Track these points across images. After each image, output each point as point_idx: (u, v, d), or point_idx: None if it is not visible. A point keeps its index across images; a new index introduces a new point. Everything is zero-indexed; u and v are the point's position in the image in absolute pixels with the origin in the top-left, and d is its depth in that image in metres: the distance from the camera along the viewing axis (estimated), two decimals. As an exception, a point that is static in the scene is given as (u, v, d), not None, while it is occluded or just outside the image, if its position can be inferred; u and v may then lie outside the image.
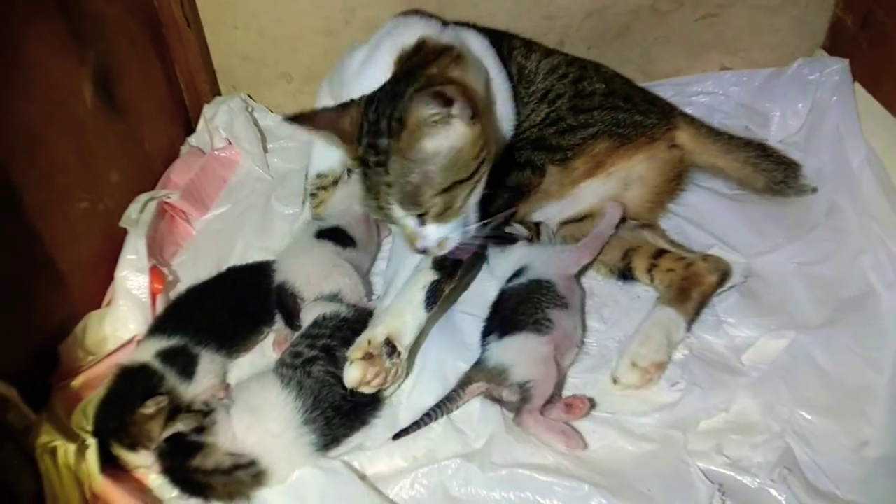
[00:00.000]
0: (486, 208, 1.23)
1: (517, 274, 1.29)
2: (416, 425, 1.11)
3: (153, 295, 1.35)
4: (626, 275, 1.37)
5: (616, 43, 1.78)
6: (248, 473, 1.04)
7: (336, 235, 1.38)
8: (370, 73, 1.22)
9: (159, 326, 1.25)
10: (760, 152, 1.46)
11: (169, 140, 1.75)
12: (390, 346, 1.14)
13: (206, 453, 1.04)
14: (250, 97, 1.87)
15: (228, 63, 1.84)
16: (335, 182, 1.52)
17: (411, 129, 1.04)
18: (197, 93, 1.83)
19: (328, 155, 1.50)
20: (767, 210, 1.46)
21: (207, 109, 1.80)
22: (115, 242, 1.39)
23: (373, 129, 1.08)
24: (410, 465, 1.10)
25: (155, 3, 1.67)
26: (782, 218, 1.45)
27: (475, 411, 1.14)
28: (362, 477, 1.08)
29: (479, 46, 1.31)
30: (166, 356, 1.17)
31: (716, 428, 1.12)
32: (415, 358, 1.24)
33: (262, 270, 1.36)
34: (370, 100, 1.12)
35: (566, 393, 1.19)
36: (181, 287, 1.40)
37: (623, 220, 1.37)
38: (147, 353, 1.18)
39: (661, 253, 1.35)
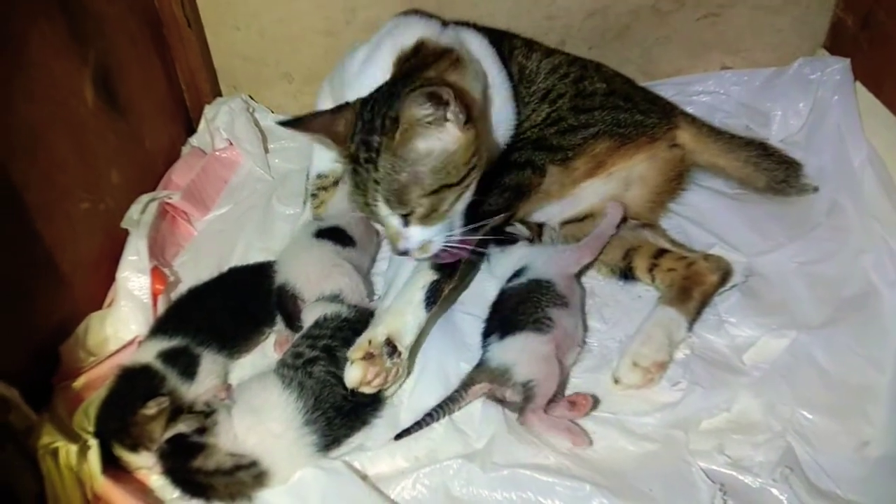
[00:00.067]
0: (482, 209, 1.23)
1: (517, 274, 1.29)
2: (418, 425, 1.11)
3: (154, 296, 1.35)
4: (627, 274, 1.37)
5: (617, 43, 1.78)
6: (249, 474, 1.04)
7: (335, 235, 1.38)
8: (370, 72, 1.22)
9: (161, 327, 1.25)
10: (761, 152, 1.46)
11: (170, 140, 1.75)
12: (391, 346, 1.14)
13: (207, 454, 1.04)
14: (251, 98, 1.87)
15: (229, 63, 1.84)
16: (336, 182, 1.52)
17: (405, 127, 1.04)
18: (198, 93, 1.83)
19: (328, 155, 1.50)
20: (769, 209, 1.46)
21: (208, 110, 1.80)
22: (116, 243, 1.39)
23: (366, 127, 1.09)
24: (412, 466, 1.09)
25: (156, 2, 1.67)
26: (783, 217, 1.44)
27: (477, 412, 1.14)
28: (364, 477, 1.08)
29: (478, 47, 1.31)
30: (168, 357, 1.17)
31: (717, 427, 1.12)
32: (415, 358, 1.24)
33: (263, 271, 1.36)
34: (366, 101, 1.12)
35: (567, 392, 1.18)
36: (182, 288, 1.40)
37: (624, 219, 1.38)
38: (148, 354, 1.18)
39: (662, 252, 1.35)
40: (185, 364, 1.18)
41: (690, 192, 1.51)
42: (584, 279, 1.38)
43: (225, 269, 1.41)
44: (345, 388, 1.11)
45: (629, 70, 1.62)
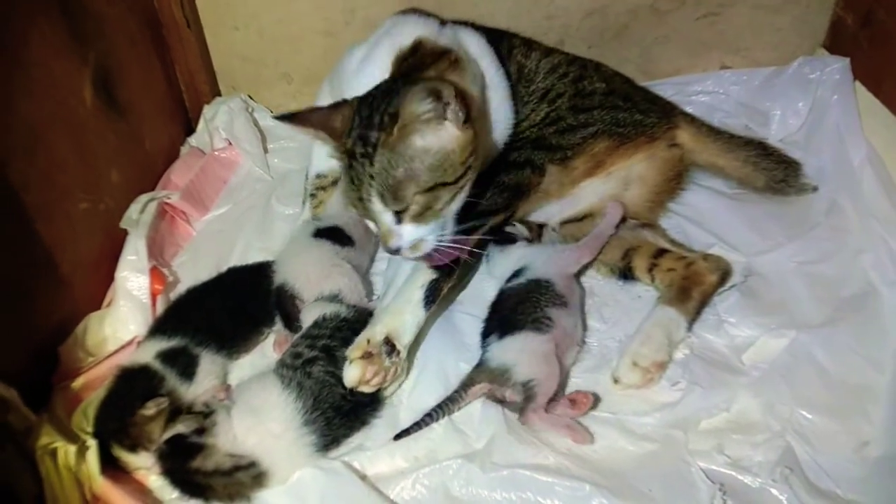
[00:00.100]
0: (480, 208, 1.23)
1: (516, 274, 1.29)
2: (418, 426, 1.11)
3: (153, 296, 1.35)
4: (626, 274, 1.37)
5: (616, 42, 1.78)
6: (248, 474, 1.04)
7: (334, 235, 1.38)
8: (369, 71, 1.22)
9: (160, 327, 1.25)
10: (761, 151, 1.46)
11: (169, 140, 1.75)
12: (389, 345, 1.14)
13: (206, 454, 1.04)
14: (250, 98, 1.87)
15: (228, 64, 1.84)
16: (335, 182, 1.52)
17: (403, 123, 1.04)
18: (197, 93, 1.83)
19: (328, 156, 1.49)
20: (768, 209, 1.46)
21: (207, 110, 1.80)
22: (115, 243, 1.39)
23: (364, 123, 1.09)
24: (411, 466, 1.09)
25: (155, 3, 1.67)
26: (783, 217, 1.44)
27: (476, 412, 1.14)
28: (363, 477, 1.07)
29: (475, 46, 1.31)
30: (167, 357, 1.17)
31: (717, 427, 1.12)
32: (414, 357, 1.24)
33: (262, 271, 1.35)
34: (364, 98, 1.12)
35: (567, 392, 1.18)
36: (181, 288, 1.40)
37: (623, 219, 1.37)
38: (147, 354, 1.17)
39: (661, 252, 1.35)
40: (184, 364, 1.18)
41: (690, 191, 1.51)
42: (583, 279, 1.38)
43: (224, 269, 1.41)
44: (344, 387, 1.11)
45: (628, 70, 1.62)
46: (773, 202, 1.47)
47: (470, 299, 1.37)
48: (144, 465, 1.09)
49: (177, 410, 1.11)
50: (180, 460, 1.04)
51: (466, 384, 1.15)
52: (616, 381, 1.19)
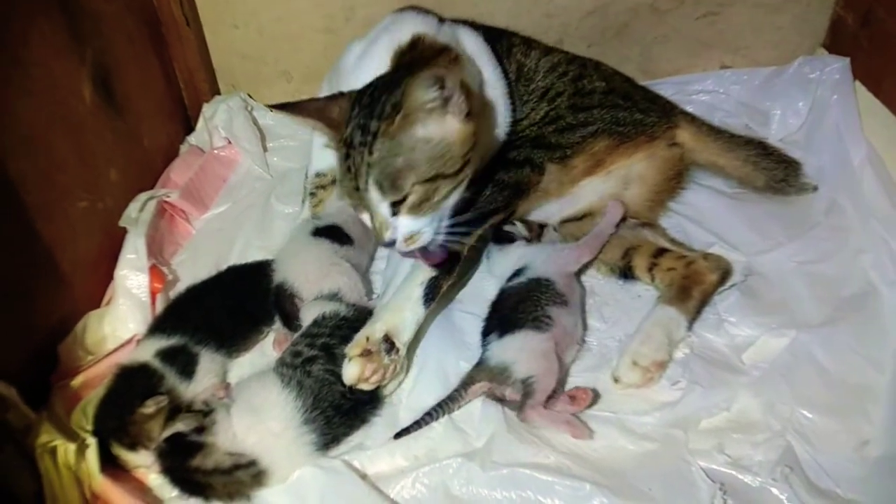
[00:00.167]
0: (478, 207, 1.24)
1: (517, 273, 1.29)
2: (418, 424, 1.11)
3: (153, 294, 1.35)
4: (626, 274, 1.37)
5: (616, 41, 1.78)
6: (248, 473, 1.04)
7: (333, 233, 1.38)
8: (366, 67, 1.22)
9: (159, 326, 1.25)
10: (761, 151, 1.46)
11: (168, 139, 1.75)
12: (389, 343, 1.14)
13: (206, 453, 1.04)
14: (250, 96, 1.87)
15: (228, 62, 1.84)
16: (334, 181, 1.51)
17: (407, 112, 1.03)
18: (196, 91, 1.83)
19: (327, 154, 1.48)
20: (768, 209, 1.46)
21: (207, 108, 1.80)
22: (114, 241, 1.39)
23: (364, 113, 1.08)
24: (411, 465, 1.09)
25: (154, 1, 1.67)
26: (783, 216, 1.44)
27: (476, 410, 1.14)
28: (363, 476, 1.07)
29: (474, 45, 1.31)
30: (166, 355, 1.17)
31: (717, 427, 1.12)
32: (413, 355, 1.24)
33: (261, 269, 1.35)
34: (363, 89, 1.12)
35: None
36: (181, 286, 1.40)
37: (623, 218, 1.37)
38: (147, 353, 1.17)
39: (661, 252, 1.35)
40: (184, 363, 1.18)
41: (690, 191, 1.51)
42: (583, 278, 1.38)
43: (223, 267, 1.41)
44: (343, 385, 1.11)
45: (628, 69, 1.62)
46: (773, 202, 1.47)
47: (470, 298, 1.37)
48: (144, 464, 1.09)
49: (176, 409, 1.11)
50: (180, 459, 1.04)
51: (466, 383, 1.15)
52: (616, 380, 1.19)
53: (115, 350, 1.25)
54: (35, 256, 1.22)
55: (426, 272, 1.20)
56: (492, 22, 1.47)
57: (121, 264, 1.35)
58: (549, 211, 1.42)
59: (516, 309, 1.20)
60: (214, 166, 1.72)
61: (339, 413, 1.11)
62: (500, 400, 1.14)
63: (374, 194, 1.07)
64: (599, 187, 1.40)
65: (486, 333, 1.23)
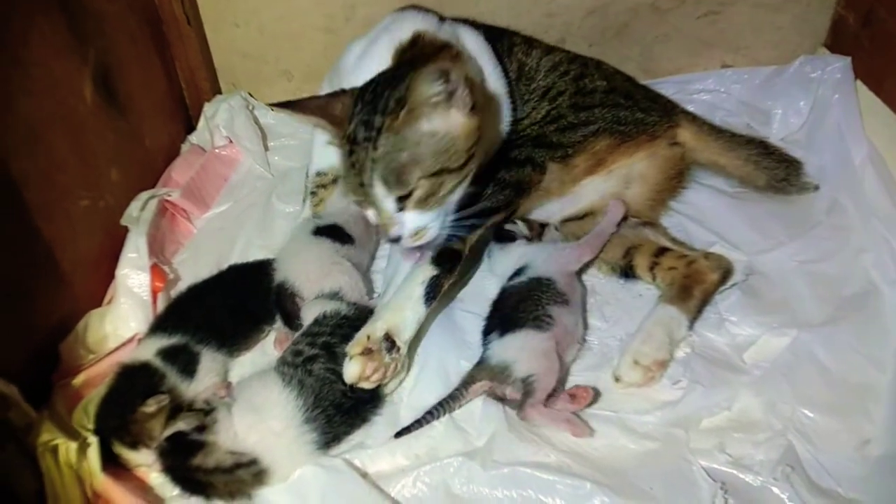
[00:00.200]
0: (480, 205, 1.23)
1: (518, 272, 1.29)
2: (419, 423, 1.11)
3: (154, 293, 1.35)
4: (627, 273, 1.37)
5: (616, 41, 1.78)
6: (249, 472, 1.04)
7: (334, 233, 1.38)
8: (367, 66, 1.22)
9: (160, 325, 1.25)
10: (762, 150, 1.46)
11: (169, 138, 1.75)
12: (389, 341, 1.14)
13: (207, 452, 1.04)
14: (251, 95, 1.87)
15: (229, 61, 1.84)
16: (335, 180, 1.51)
17: (412, 107, 1.03)
18: (197, 90, 1.83)
19: (328, 153, 1.48)
20: (769, 208, 1.46)
21: (208, 107, 1.80)
22: (115, 240, 1.39)
23: (367, 109, 1.08)
24: (412, 464, 1.09)
25: (155, 0, 1.67)
26: (784, 216, 1.44)
27: (477, 409, 1.14)
28: (364, 475, 1.07)
29: (474, 44, 1.31)
30: (167, 354, 1.17)
31: (718, 426, 1.11)
32: (414, 354, 1.24)
33: (262, 269, 1.35)
34: (366, 85, 1.12)
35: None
36: (182, 285, 1.40)
37: (624, 217, 1.37)
38: (148, 352, 1.17)
39: (662, 251, 1.34)
40: (185, 362, 1.17)
41: (691, 190, 1.51)
42: (584, 277, 1.38)
43: (224, 266, 1.41)
44: (344, 384, 1.11)
45: (629, 68, 1.62)
46: (774, 201, 1.47)
47: (471, 297, 1.37)
48: (145, 463, 1.09)
49: (177, 408, 1.11)
50: (181, 457, 1.04)
51: (467, 382, 1.15)
52: (617, 379, 1.19)
53: (117, 349, 1.25)
54: (36, 255, 1.22)
55: (427, 271, 1.20)
56: (493, 21, 1.47)
57: (122, 263, 1.35)
58: (550, 210, 1.43)
59: (517, 308, 1.20)
60: (216, 165, 1.72)
61: (340, 412, 1.11)
62: (501, 399, 1.14)
63: (379, 190, 1.08)
64: (601, 186, 1.40)
65: (486, 332, 1.23)
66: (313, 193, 1.52)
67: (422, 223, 1.10)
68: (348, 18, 1.74)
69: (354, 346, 1.12)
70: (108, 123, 1.47)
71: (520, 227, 1.37)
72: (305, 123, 1.18)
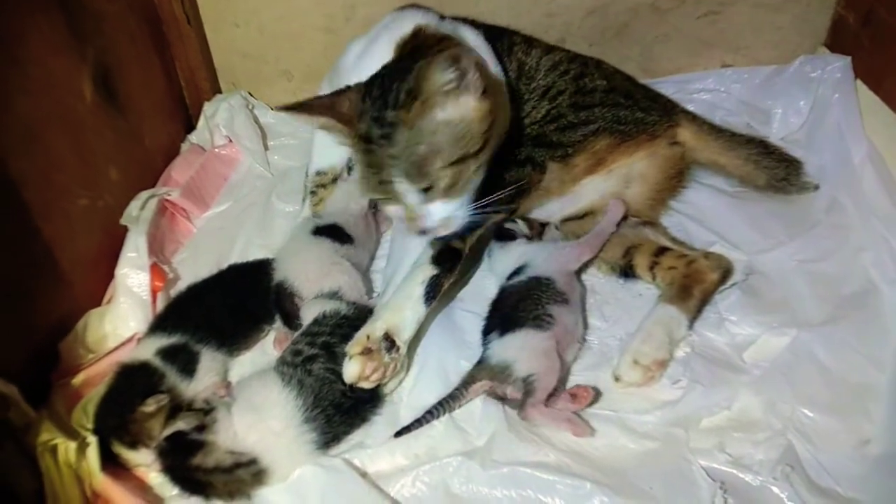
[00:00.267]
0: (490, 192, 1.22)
1: (517, 272, 1.29)
2: (418, 423, 1.11)
3: (154, 293, 1.34)
4: (627, 272, 1.37)
5: (616, 40, 1.78)
6: (248, 472, 1.04)
7: (333, 232, 1.38)
8: (368, 64, 1.21)
9: (160, 324, 1.25)
10: (762, 150, 1.46)
11: (169, 137, 1.75)
12: (389, 341, 1.14)
13: (206, 452, 1.04)
14: (250, 94, 1.87)
15: (229, 60, 1.84)
16: (334, 180, 1.52)
17: (425, 97, 1.02)
18: (197, 90, 1.83)
19: (328, 152, 1.50)
20: (769, 207, 1.46)
21: (208, 107, 1.80)
22: (115, 240, 1.39)
23: (378, 104, 1.07)
24: (412, 463, 1.09)
25: (155, 0, 1.67)
26: (784, 215, 1.44)
27: (477, 409, 1.14)
28: (363, 475, 1.07)
29: (474, 42, 1.30)
30: (167, 354, 1.17)
31: (718, 426, 1.11)
32: (414, 354, 1.24)
33: (262, 268, 1.35)
34: (371, 81, 1.11)
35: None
36: (182, 285, 1.40)
37: (624, 217, 1.37)
38: (148, 351, 1.17)
39: (662, 250, 1.34)
40: (185, 361, 1.18)
41: (691, 189, 1.51)
42: (584, 277, 1.38)
43: (224, 266, 1.41)
44: (344, 384, 1.11)
45: (629, 68, 1.62)
46: (774, 200, 1.47)
47: (470, 296, 1.37)
48: (144, 462, 1.09)
49: (177, 407, 1.11)
50: (180, 457, 1.04)
51: (467, 382, 1.15)
52: (617, 379, 1.19)
53: (116, 348, 1.25)
54: (35, 255, 1.22)
55: (427, 271, 1.20)
56: (493, 21, 1.47)
57: (122, 263, 1.35)
58: (550, 209, 1.42)
59: (517, 307, 1.20)
60: (215, 165, 1.72)
61: (339, 411, 1.11)
62: (502, 398, 1.14)
63: (402, 185, 1.07)
64: (601, 186, 1.40)
65: (486, 332, 1.23)
66: (313, 193, 1.52)
67: (448, 212, 1.09)
68: (348, 18, 1.74)
69: (354, 346, 1.12)
70: (108, 123, 1.47)
71: (520, 226, 1.37)
72: (313, 125, 1.17)
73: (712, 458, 1.07)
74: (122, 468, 1.10)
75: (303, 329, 1.21)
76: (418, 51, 1.12)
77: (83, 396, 1.16)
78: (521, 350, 1.14)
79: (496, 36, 1.39)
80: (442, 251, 1.22)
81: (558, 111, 1.39)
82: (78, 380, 1.19)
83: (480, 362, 1.18)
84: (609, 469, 1.06)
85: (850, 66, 1.58)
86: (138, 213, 1.44)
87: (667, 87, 1.68)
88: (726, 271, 1.32)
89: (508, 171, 1.31)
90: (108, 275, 1.36)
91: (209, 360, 1.21)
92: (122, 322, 1.30)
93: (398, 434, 1.11)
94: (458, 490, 1.05)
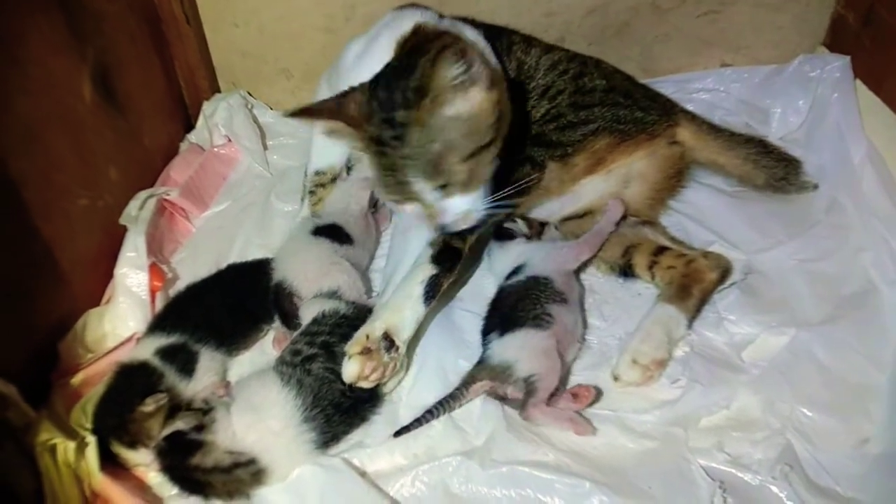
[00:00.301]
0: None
1: (516, 271, 1.29)
2: (418, 422, 1.11)
3: (153, 292, 1.34)
4: (626, 272, 1.37)
5: (616, 40, 1.78)
6: (247, 472, 1.04)
7: (333, 232, 1.38)
8: (368, 63, 1.21)
9: (159, 324, 1.25)
10: (761, 149, 1.46)
11: (168, 137, 1.75)
12: (388, 341, 1.14)
13: (205, 451, 1.04)
14: (250, 94, 1.87)
15: (228, 60, 1.84)
16: (333, 179, 1.52)
17: (434, 94, 1.02)
18: (196, 89, 1.83)
19: (327, 152, 1.50)
20: (768, 207, 1.46)
21: (207, 106, 1.80)
22: (114, 240, 1.39)
23: (385, 106, 1.06)
24: (411, 463, 1.09)
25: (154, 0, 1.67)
26: (783, 215, 1.44)
27: (476, 409, 1.14)
28: (362, 474, 1.07)
29: (474, 40, 1.30)
30: (166, 354, 1.17)
31: (717, 425, 1.12)
32: (413, 353, 1.24)
33: (261, 268, 1.35)
34: (375, 81, 1.10)
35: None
36: (181, 284, 1.40)
37: (623, 216, 1.37)
38: (147, 351, 1.17)
39: (661, 250, 1.34)
40: (184, 361, 1.18)
41: (690, 189, 1.51)
42: (583, 276, 1.38)
43: (223, 265, 1.41)
44: (343, 384, 1.11)
45: (629, 67, 1.61)
46: (773, 200, 1.47)
47: (470, 296, 1.37)
48: (143, 462, 1.09)
49: (176, 407, 1.11)
50: (179, 457, 1.04)
51: (468, 381, 1.14)
52: (616, 378, 1.19)
53: (115, 348, 1.25)
54: (35, 255, 1.22)
55: (426, 270, 1.20)
56: (492, 20, 1.46)
57: (121, 262, 1.35)
58: (550, 209, 1.42)
59: (516, 307, 1.20)
60: (214, 164, 1.72)
61: (338, 411, 1.11)
62: (502, 398, 1.14)
63: (419, 184, 1.07)
64: (600, 185, 1.40)
65: (486, 332, 1.23)
66: (312, 192, 1.52)
67: (467, 205, 1.09)
68: (348, 18, 1.74)
69: (353, 346, 1.12)
70: (107, 122, 1.47)
71: (519, 226, 1.37)
72: (319, 129, 1.17)
73: (711, 457, 1.07)
74: (121, 468, 1.10)
75: (302, 329, 1.21)
76: (419, 48, 1.12)
77: (82, 396, 1.16)
78: (522, 350, 1.14)
79: (495, 35, 1.39)
80: (442, 251, 1.22)
81: (558, 110, 1.38)
82: (77, 379, 1.19)
83: (480, 362, 1.18)
84: (608, 468, 1.06)
85: (849, 66, 1.58)
86: (137, 212, 1.44)
87: (666, 86, 1.68)
88: (725, 271, 1.32)
89: (513, 168, 1.30)
90: (107, 274, 1.36)
91: (208, 360, 1.21)
92: (121, 322, 1.30)
93: (397, 434, 1.11)
94: (457, 489, 1.05)
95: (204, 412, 1.09)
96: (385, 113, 1.06)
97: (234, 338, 1.28)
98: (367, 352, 1.11)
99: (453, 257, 1.23)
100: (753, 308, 1.27)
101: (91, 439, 1.06)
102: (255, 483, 1.05)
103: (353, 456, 1.10)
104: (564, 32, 1.76)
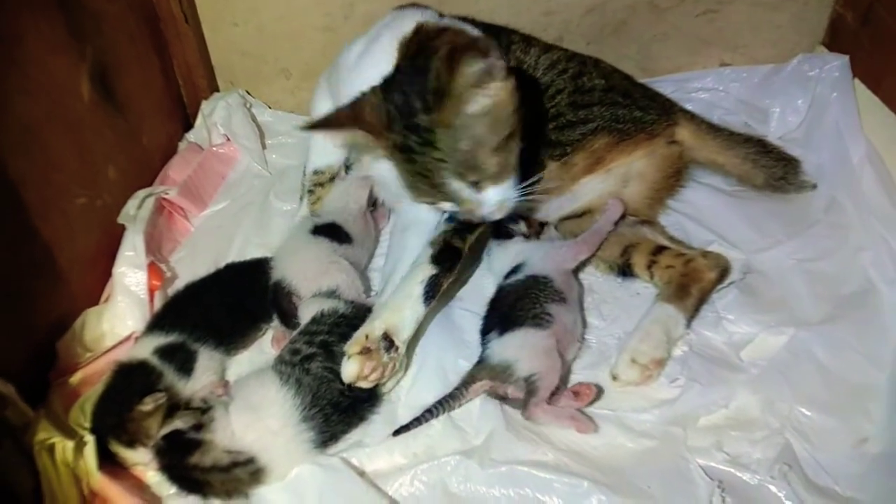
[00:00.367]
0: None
1: (515, 270, 1.29)
2: (417, 422, 1.11)
3: (151, 291, 1.34)
4: (625, 271, 1.37)
5: (615, 39, 1.78)
6: (246, 471, 1.04)
7: (332, 231, 1.38)
8: (369, 63, 1.21)
9: (157, 323, 1.25)
10: (760, 149, 1.46)
11: (167, 136, 1.75)
12: (388, 341, 1.14)
13: (204, 450, 1.03)
14: (248, 93, 1.86)
15: (227, 59, 1.84)
16: (332, 179, 1.52)
17: (456, 94, 1.02)
18: (195, 89, 1.83)
19: (325, 151, 1.50)
20: (767, 206, 1.46)
21: (205, 105, 1.80)
22: (113, 239, 1.39)
23: (404, 111, 1.06)
24: (410, 462, 1.09)
25: (153, -1, 1.67)
26: (782, 214, 1.44)
27: (475, 408, 1.14)
28: (361, 474, 1.07)
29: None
30: (164, 353, 1.17)
31: (715, 424, 1.12)
32: (413, 353, 1.24)
33: (260, 267, 1.35)
34: (387, 87, 1.09)
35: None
36: (179, 284, 1.40)
37: (622, 216, 1.37)
38: (145, 350, 1.17)
39: (660, 249, 1.34)
40: (182, 360, 1.17)
41: (689, 188, 1.51)
42: (582, 276, 1.38)
43: (222, 264, 1.41)
44: (342, 383, 1.11)
45: (627, 66, 1.61)
46: (772, 199, 1.47)
47: (469, 296, 1.37)
48: (142, 461, 1.09)
49: (174, 406, 1.11)
50: (178, 456, 1.04)
51: (467, 381, 1.14)
52: (615, 377, 1.19)
53: (114, 347, 1.25)
54: (33, 254, 1.21)
55: (426, 270, 1.20)
56: (492, 19, 1.46)
57: (119, 261, 1.35)
58: (549, 208, 1.42)
59: (515, 306, 1.20)
60: (213, 163, 1.72)
61: (337, 411, 1.11)
62: (502, 398, 1.14)
63: (455, 185, 1.07)
64: (599, 185, 1.40)
65: (485, 331, 1.23)
66: (310, 192, 1.52)
67: (502, 195, 1.10)
68: (347, 17, 1.74)
69: (353, 345, 1.12)
70: (106, 122, 1.46)
71: (518, 225, 1.37)
72: (338, 140, 1.16)
73: (710, 456, 1.07)
74: (120, 467, 1.10)
75: (301, 328, 1.21)
76: (425, 47, 1.11)
77: (81, 395, 1.16)
78: (522, 349, 1.14)
79: (494, 34, 1.38)
80: (441, 250, 1.22)
81: (557, 110, 1.38)
82: (75, 379, 1.19)
83: (480, 362, 1.18)
84: (607, 468, 1.06)
85: (848, 65, 1.58)
86: (136, 211, 1.44)
87: (665, 85, 1.68)
88: (724, 270, 1.32)
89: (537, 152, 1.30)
90: (105, 273, 1.36)
91: (207, 359, 1.21)
92: (120, 321, 1.30)
93: (396, 433, 1.11)
94: (456, 489, 1.05)
95: (202, 411, 1.09)
96: (406, 119, 1.05)
97: (232, 337, 1.28)
98: (366, 351, 1.11)
99: (453, 257, 1.23)
100: (752, 307, 1.27)
101: (89, 438, 1.06)
102: (254, 482, 1.05)
103: (351, 455, 1.10)
104: (563, 31, 1.76)
